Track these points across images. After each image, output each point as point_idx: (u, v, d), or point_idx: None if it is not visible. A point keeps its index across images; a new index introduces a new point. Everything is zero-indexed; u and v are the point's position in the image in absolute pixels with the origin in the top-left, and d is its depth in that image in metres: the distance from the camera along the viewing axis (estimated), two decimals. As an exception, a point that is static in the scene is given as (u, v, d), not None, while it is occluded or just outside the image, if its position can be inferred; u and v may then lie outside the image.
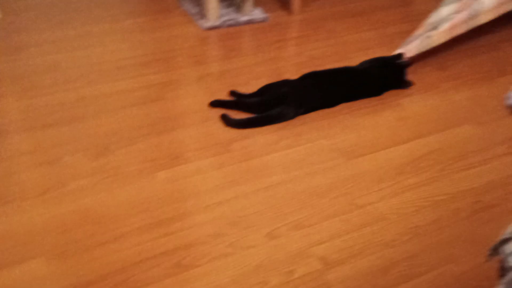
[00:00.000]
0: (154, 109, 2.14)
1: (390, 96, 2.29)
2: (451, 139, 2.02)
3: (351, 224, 1.63)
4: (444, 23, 2.44)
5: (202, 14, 2.87)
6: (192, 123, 2.06)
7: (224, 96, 2.23)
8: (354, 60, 2.54)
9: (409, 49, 2.43)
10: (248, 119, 2.01)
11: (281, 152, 1.92)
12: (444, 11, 2.49)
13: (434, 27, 2.45)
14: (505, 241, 1.00)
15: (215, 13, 2.79)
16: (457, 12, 2.44)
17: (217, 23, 2.79)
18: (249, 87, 2.28)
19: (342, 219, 1.64)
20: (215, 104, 2.12)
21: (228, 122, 2.02)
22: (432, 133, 2.05)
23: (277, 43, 2.69)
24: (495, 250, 1.01)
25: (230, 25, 2.82)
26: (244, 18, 2.85)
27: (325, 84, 2.14)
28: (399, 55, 2.33)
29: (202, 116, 2.10)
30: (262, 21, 2.88)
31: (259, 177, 1.79)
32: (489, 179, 1.82)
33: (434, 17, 2.50)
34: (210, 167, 1.83)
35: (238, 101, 2.11)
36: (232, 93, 2.19)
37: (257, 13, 2.90)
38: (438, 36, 2.43)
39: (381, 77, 2.24)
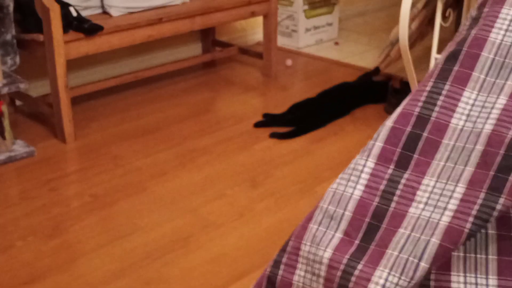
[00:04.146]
0: None
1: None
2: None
3: None
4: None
5: None
6: None
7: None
8: (152, 189, 2.04)
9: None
10: (291, 132, 2.46)
11: None
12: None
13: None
14: None
15: (-42, 156, 2.13)
16: None
17: (-37, 168, 2.13)
18: (15, 250, 1.73)
19: None
20: (259, 124, 2.54)
21: (279, 136, 2.43)
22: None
23: (50, 183, 2.10)
24: None
25: (-17, 168, 2.17)
26: (1, 156, 2.21)
27: (337, 98, 2.73)
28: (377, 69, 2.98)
29: None
30: (28, 156, 2.27)
31: None
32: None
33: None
34: None
35: (276, 119, 2.57)
36: (266, 114, 2.62)
37: (19, 148, 2.28)
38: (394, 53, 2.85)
39: (370, 90, 2.83)
